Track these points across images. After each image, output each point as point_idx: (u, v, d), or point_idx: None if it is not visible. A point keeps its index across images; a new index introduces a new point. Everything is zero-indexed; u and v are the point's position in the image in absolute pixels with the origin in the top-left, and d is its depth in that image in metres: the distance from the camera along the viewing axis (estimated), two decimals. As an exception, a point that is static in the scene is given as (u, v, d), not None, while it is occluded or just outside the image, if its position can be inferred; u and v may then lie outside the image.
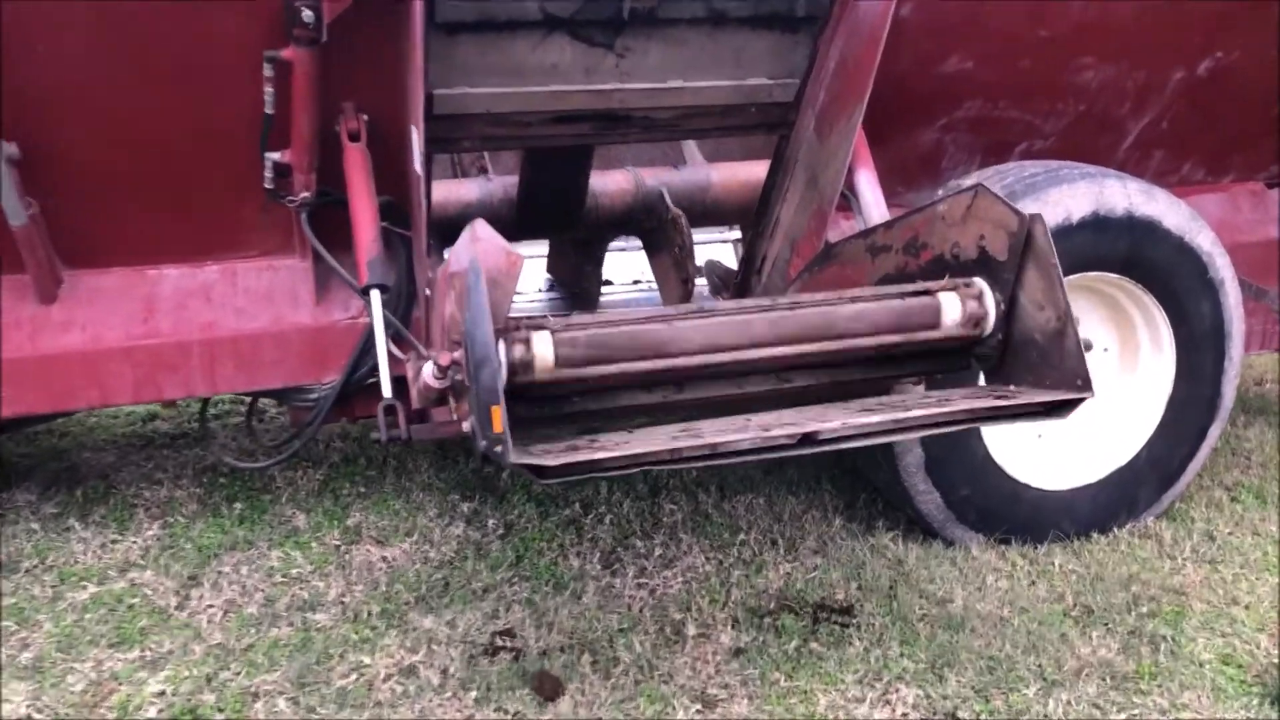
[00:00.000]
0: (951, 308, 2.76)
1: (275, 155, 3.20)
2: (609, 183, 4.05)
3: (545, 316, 2.59)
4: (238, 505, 3.85)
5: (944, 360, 2.89)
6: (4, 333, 3.29)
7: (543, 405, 2.61)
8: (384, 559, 3.54)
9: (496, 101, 3.24)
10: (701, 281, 4.44)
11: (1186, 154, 4.34)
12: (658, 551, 3.58)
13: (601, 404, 2.64)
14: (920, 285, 2.83)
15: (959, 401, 2.57)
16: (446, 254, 3.89)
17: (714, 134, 3.75)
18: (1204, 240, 3.58)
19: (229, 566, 3.47)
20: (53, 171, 3.17)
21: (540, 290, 4.77)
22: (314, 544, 3.63)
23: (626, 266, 4.66)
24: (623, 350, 2.56)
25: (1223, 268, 3.64)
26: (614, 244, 4.52)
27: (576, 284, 4.28)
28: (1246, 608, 3.31)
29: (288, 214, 3.40)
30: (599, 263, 4.24)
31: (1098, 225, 3.44)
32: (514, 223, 3.95)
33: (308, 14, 2.86)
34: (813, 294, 2.85)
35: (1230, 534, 3.78)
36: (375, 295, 3.02)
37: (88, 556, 3.51)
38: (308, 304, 3.52)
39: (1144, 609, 3.28)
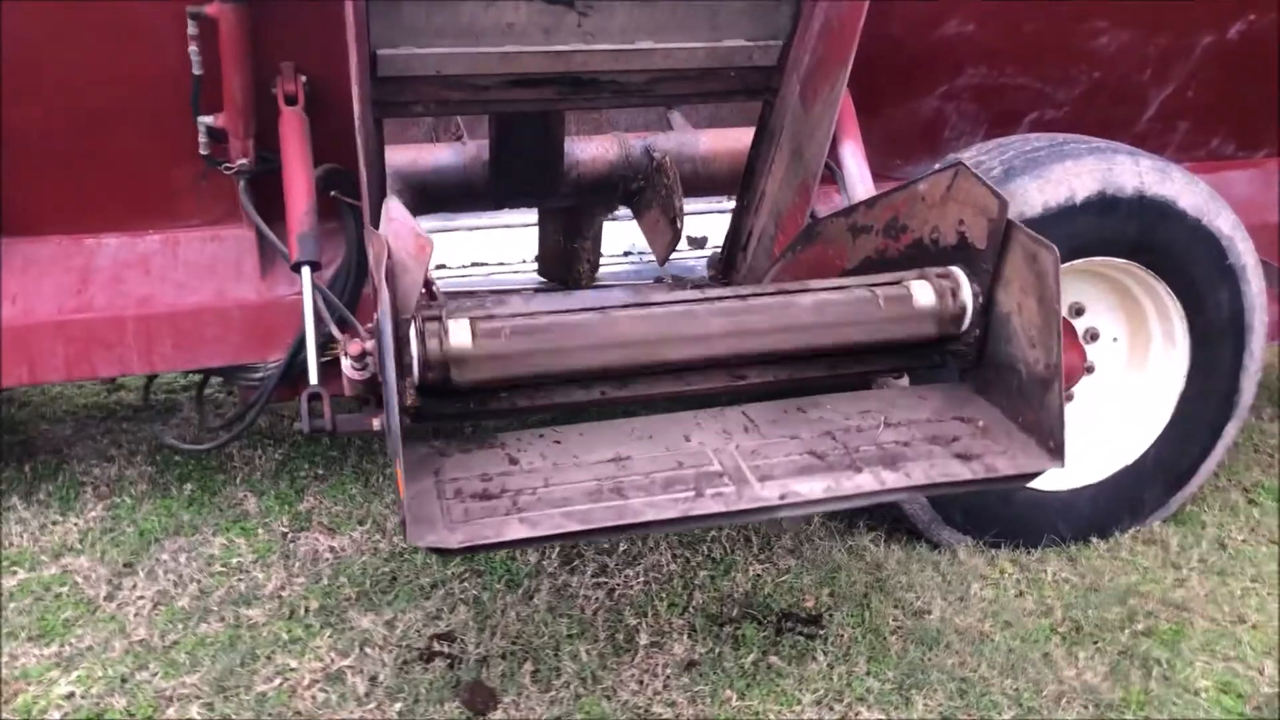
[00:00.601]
0: (925, 299, 2.50)
1: (209, 119, 2.98)
2: (592, 146, 3.81)
3: (472, 300, 2.37)
4: (188, 486, 3.67)
5: (916, 356, 2.63)
6: (-71, 304, 3.12)
7: (466, 400, 2.39)
8: (331, 549, 3.35)
9: (446, 63, 3.01)
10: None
11: (1215, 126, 4.01)
12: (622, 546, 3.35)
13: (533, 401, 2.42)
14: (891, 275, 2.57)
15: (917, 471, 2.32)
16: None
17: (691, 99, 3.49)
18: (1224, 223, 3.27)
19: (168, 554, 3.29)
20: (-18, 135, 2.98)
21: (524, 261, 4.57)
22: (260, 530, 3.44)
23: (615, 238, 4.45)
24: (553, 342, 2.32)
25: (1244, 253, 3.32)
26: (511, 219, 4.33)
27: (567, 272, 4.04)
28: (1254, 627, 3.04)
29: (232, 181, 3.18)
30: (592, 239, 4.00)
31: (1105, 205, 3.14)
32: (490, 190, 3.73)
33: (230, -34, 2.62)
34: (769, 285, 2.60)
35: (1244, 541, 3.49)
36: (305, 272, 2.80)
37: (24, 539, 3.35)
38: (252, 278, 3.31)
39: (1139, 626, 3.01)
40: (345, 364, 2.41)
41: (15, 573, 3.18)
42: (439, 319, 2.26)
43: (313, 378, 2.69)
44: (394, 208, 2.25)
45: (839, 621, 2.98)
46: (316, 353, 2.74)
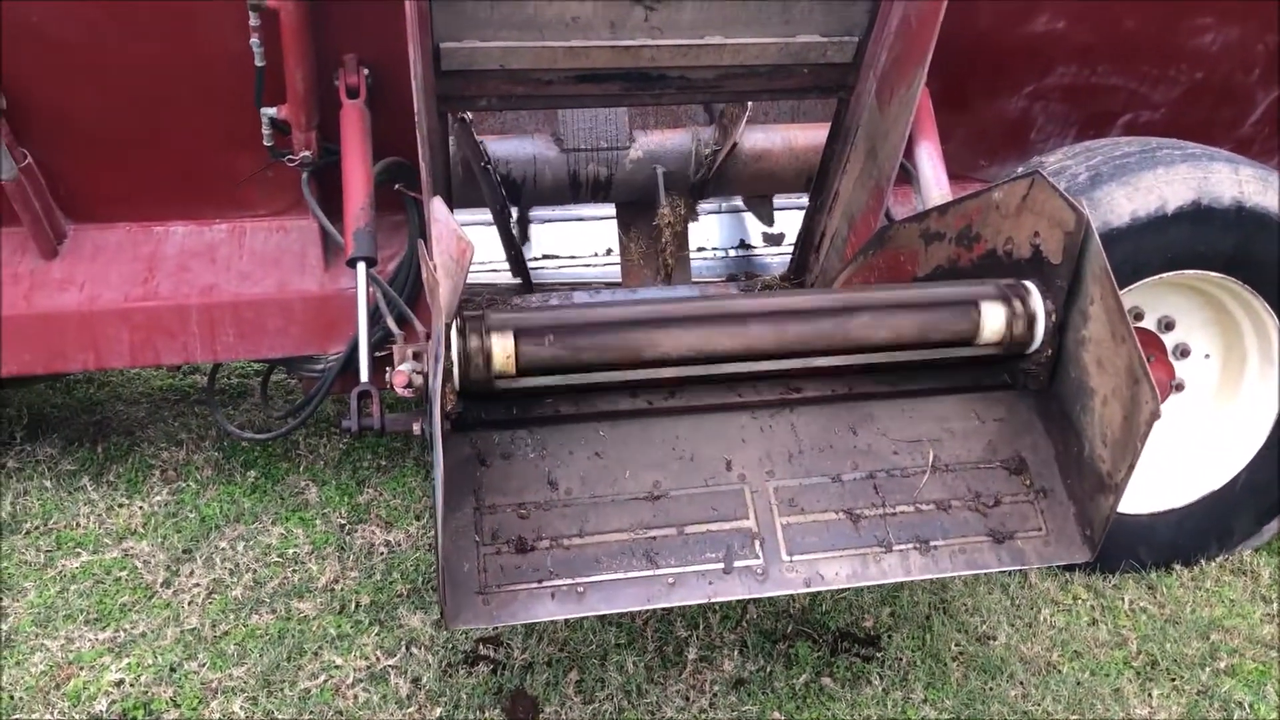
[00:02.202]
0: (994, 316, 2.36)
1: (272, 111, 2.97)
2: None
3: (515, 304, 2.31)
4: (252, 473, 3.69)
5: (982, 374, 2.49)
6: (2, 288, 3.17)
7: (509, 405, 2.33)
8: (386, 543, 3.33)
9: (511, 57, 2.95)
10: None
11: (1330, 129, 3.76)
12: (678, 554, 3.27)
13: (577, 408, 2.35)
14: (958, 285, 2.43)
15: (945, 558, 2.29)
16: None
17: (761, 96, 3.38)
18: (1333, 237, 3.05)
19: (227, 541, 3.31)
20: (52, 122, 3.01)
21: (596, 255, 4.52)
22: (319, 521, 3.44)
23: (594, 237, 4.40)
24: (598, 351, 2.25)
25: (1355, 269, 3.10)
26: (585, 212, 4.24)
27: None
28: (1347, 671, 2.85)
29: (297, 173, 3.17)
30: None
31: (1199, 216, 2.95)
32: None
33: (290, -41, 2.59)
34: (830, 293, 2.49)
35: (1341, 576, 3.28)
36: (361, 268, 2.77)
37: (90, 521, 3.40)
38: (315, 270, 3.30)
39: (1221, 664, 2.84)
40: (397, 380, 2.36)
41: (79, 554, 3.23)
42: (481, 323, 2.20)
43: (363, 375, 2.66)
44: (438, 208, 2.20)
45: (898, 644, 2.86)
46: (371, 349, 2.71)
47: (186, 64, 2.93)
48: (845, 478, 2.34)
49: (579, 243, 4.54)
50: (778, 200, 4.27)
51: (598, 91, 3.12)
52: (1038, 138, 3.61)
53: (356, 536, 3.37)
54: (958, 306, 2.36)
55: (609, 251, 4.58)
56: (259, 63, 2.84)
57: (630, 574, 2.19)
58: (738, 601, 3.03)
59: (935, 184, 3.08)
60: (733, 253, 4.56)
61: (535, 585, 2.16)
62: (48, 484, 3.58)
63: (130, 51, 2.88)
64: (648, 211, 3.94)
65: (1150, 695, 2.72)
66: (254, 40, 2.78)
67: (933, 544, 2.28)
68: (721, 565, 2.22)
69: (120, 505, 3.48)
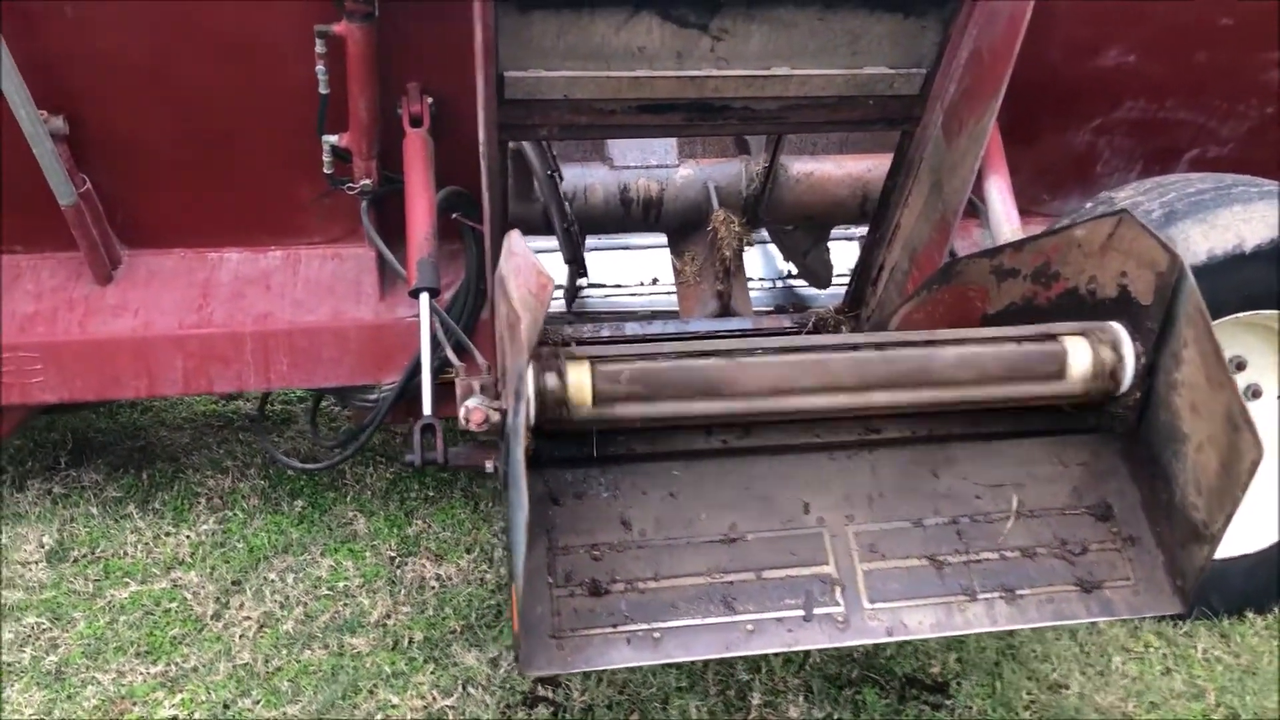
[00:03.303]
0: (1080, 357, 2.30)
1: (333, 138, 2.94)
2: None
3: (585, 337, 2.26)
4: (299, 502, 3.64)
5: (1066, 417, 2.42)
6: (57, 313, 3.14)
7: (581, 444, 2.28)
8: (438, 577, 3.28)
9: (574, 86, 2.91)
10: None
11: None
12: (735, 592, 3.20)
13: (653, 447, 2.29)
14: (1043, 328, 2.37)
15: (1032, 609, 2.21)
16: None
17: (823, 128, 3.35)
18: None
19: (276, 573, 3.26)
20: (107, 144, 2.99)
21: (641, 284, 4.49)
22: (368, 553, 3.39)
23: (642, 266, 4.38)
24: (675, 388, 2.19)
25: None
26: (632, 240, 4.20)
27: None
28: None
29: (354, 199, 3.14)
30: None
31: (1277, 255, 2.88)
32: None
33: (360, -16, 2.56)
34: (907, 333, 2.42)
35: None
36: (424, 298, 2.73)
37: (138, 550, 3.36)
38: (371, 298, 3.26)
39: (1304, 719, 2.76)
40: (468, 414, 2.31)
41: (127, 584, 3.19)
42: (557, 360, 2.15)
43: (426, 408, 2.61)
44: (515, 241, 2.15)
45: (967, 691, 2.78)
46: (432, 379, 2.66)
47: (249, 89, 2.90)
48: (927, 522, 2.28)
49: (626, 272, 4.51)
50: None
51: (659, 122, 3.07)
52: (1102, 172, 3.55)
53: (407, 569, 3.31)
54: (1044, 348, 2.29)
55: (655, 281, 4.55)
56: (323, 90, 2.81)
57: (708, 620, 2.13)
58: (799, 644, 2.96)
59: (1005, 219, 3.02)
60: (778, 284, 4.52)
61: (610, 630, 2.10)
62: (94, 510, 3.54)
63: (194, 76, 2.85)
64: (700, 233, 3.89)
65: (1231, 750, 2.64)
66: (319, 67, 2.76)
67: (1019, 593, 2.21)
68: (801, 612, 2.16)
69: (167, 534, 3.44)
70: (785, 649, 2.13)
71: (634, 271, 4.55)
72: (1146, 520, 2.31)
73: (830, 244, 4.22)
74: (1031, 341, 2.32)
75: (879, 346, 2.28)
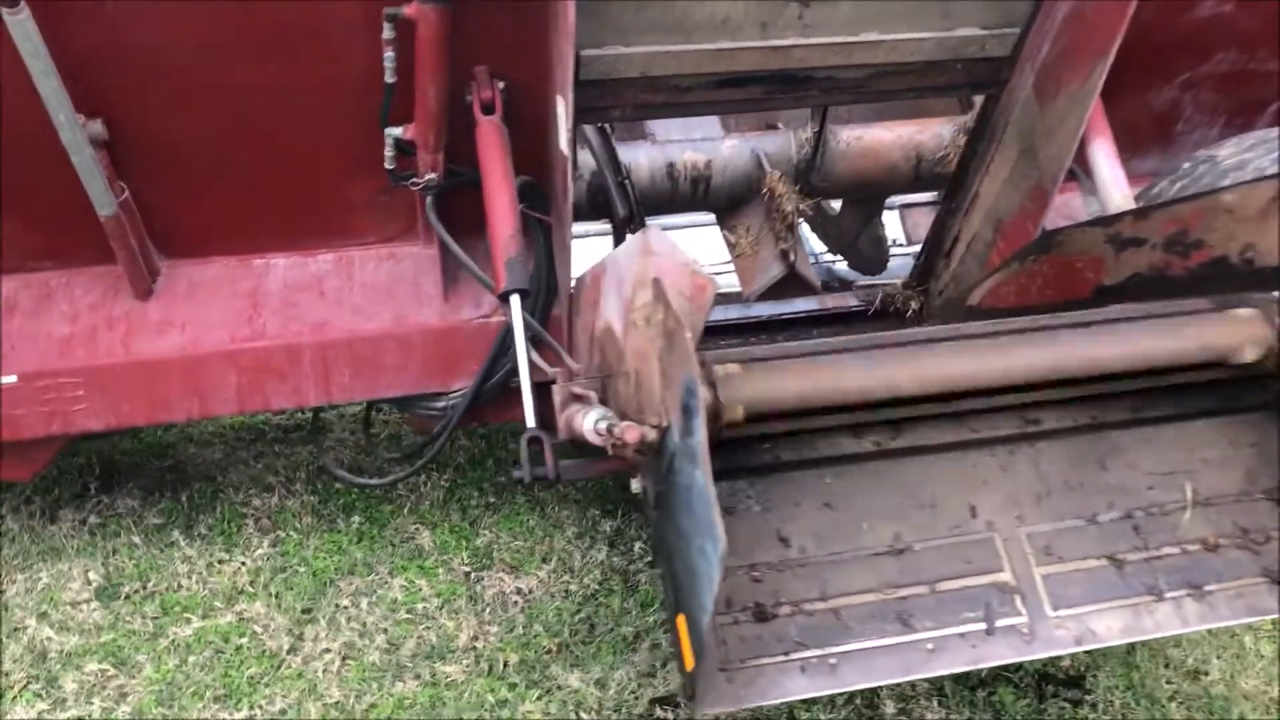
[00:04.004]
0: (1253, 332, 2.14)
1: (397, 131, 2.71)
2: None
3: (734, 348, 2.08)
4: (355, 518, 3.43)
5: (1230, 397, 2.28)
6: (96, 333, 2.90)
7: (725, 452, 2.09)
8: (519, 591, 3.09)
9: (653, 63, 2.72)
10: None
11: None
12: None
13: (799, 454, 2.11)
14: (1209, 301, 2.21)
15: (1223, 605, 2.06)
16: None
17: (906, 95, 3.14)
18: None
19: (347, 598, 3.05)
20: (146, 148, 2.74)
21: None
22: (440, 570, 3.19)
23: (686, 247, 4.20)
24: (830, 391, 2.02)
25: None
26: (677, 221, 4.02)
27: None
28: None
29: (410, 195, 2.91)
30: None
31: (1399, 209, 2.74)
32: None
33: (436, -38, 2.33)
34: (1064, 315, 2.26)
35: None
36: (515, 302, 2.53)
37: (192, 581, 3.13)
38: (434, 300, 3.04)
39: None
40: (588, 425, 2.12)
41: (189, 620, 2.97)
42: (706, 370, 1.96)
43: (530, 419, 2.41)
44: (656, 238, 1.96)
45: (1105, 685, 2.65)
46: (500, 384, 2.46)
47: (299, 83, 2.65)
48: (1101, 518, 2.12)
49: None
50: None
51: (739, 96, 2.88)
52: (1183, 129, 3.40)
53: (484, 585, 3.12)
54: (1216, 324, 2.14)
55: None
56: (389, 79, 2.57)
57: (884, 640, 1.96)
58: (919, 643, 2.81)
59: (1114, 184, 2.86)
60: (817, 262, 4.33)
61: (782, 658, 1.93)
62: (136, 540, 3.31)
63: (240, 71, 2.60)
64: (751, 205, 3.68)
65: (1390, 730, 2.52)
66: (388, 54, 2.52)
67: (1206, 589, 2.07)
68: (983, 625, 2.00)
69: (221, 561, 3.22)
70: (970, 667, 1.98)
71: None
72: None
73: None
74: (1204, 317, 2.15)
75: (1038, 328, 2.11)
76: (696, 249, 4.25)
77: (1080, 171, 3.00)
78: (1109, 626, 2.02)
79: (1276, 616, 2.11)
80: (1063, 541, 2.09)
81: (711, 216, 3.88)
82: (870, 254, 3.79)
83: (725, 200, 3.70)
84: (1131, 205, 2.86)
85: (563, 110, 2.52)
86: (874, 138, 3.70)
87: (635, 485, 2.06)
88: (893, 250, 4.05)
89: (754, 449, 2.09)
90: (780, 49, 2.76)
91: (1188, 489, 2.16)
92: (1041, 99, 2.91)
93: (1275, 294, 2.19)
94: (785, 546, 2.02)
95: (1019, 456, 2.18)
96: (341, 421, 4.06)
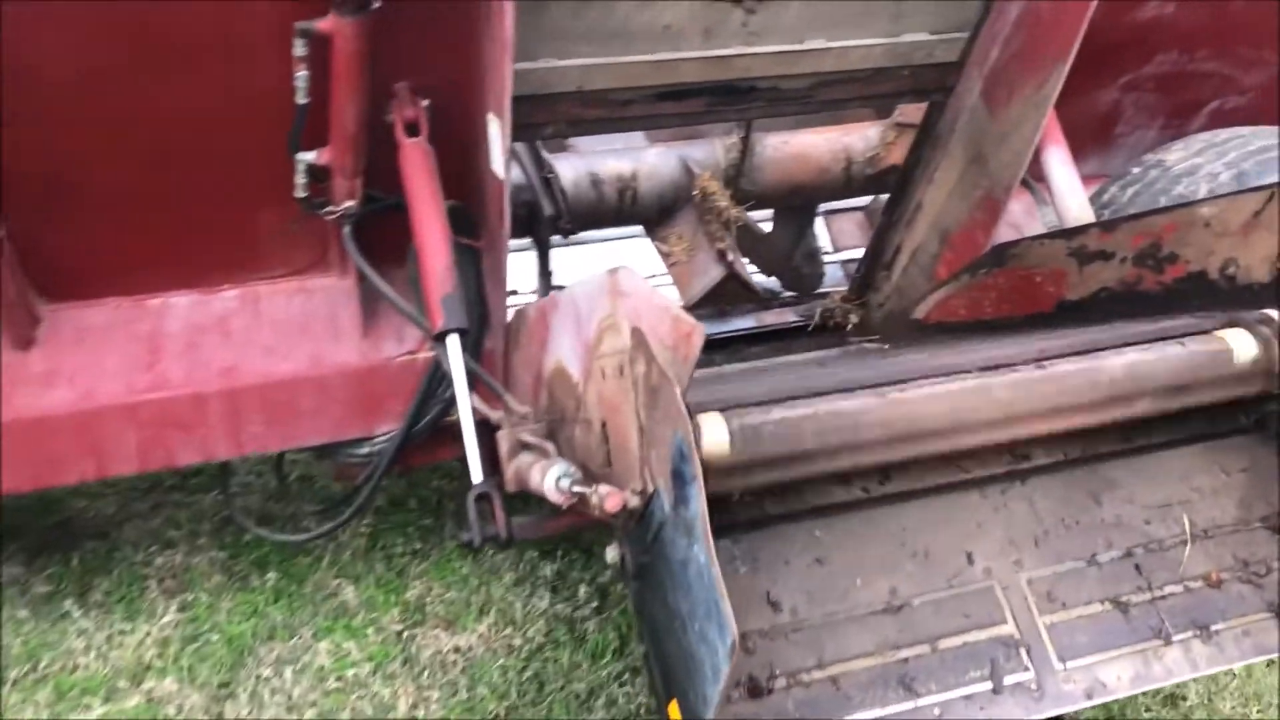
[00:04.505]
0: (1245, 353, 2.04)
1: (310, 156, 2.45)
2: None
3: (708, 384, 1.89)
4: (270, 575, 3.15)
5: (1219, 420, 2.18)
6: (-31, 391, 2.57)
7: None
8: (457, 649, 2.86)
9: (591, 76, 2.52)
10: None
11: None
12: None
13: (786, 507, 1.94)
14: (1196, 320, 2.10)
15: (1231, 645, 1.97)
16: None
17: (852, 104, 3.01)
18: None
19: (269, 667, 2.78)
20: (22, 178, 2.42)
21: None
22: (369, 630, 2.94)
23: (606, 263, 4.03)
24: (821, 439, 1.84)
25: None
26: (593, 236, 3.83)
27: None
28: None
29: (321, 222, 2.65)
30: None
31: (1351, 213, 2.70)
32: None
33: (354, -29, 2.09)
34: (1060, 340, 2.13)
35: None
36: (454, 343, 2.29)
37: (90, 658, 2.82)
38: (353, 337, 2.79)
39: None
40: (549, 484, 1.91)
41: (89, 707, 2.67)
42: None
43: (476, 474, 2.18)
44: (626, 278, 1.75)
45: (1087, 715, 2.53)
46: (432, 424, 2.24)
47: (200, 105, 2.38)
48: (1101, 558, 2.00)
49: (582, 271, 4.11)
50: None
51: (679, 110, 2.71)
52: (1123, 130, 3.34)
53: (419, 644, 2.89)
54: (1210, 347, 2.03)
55: (620, 277, 4.17)
56: (301, 99, 2.32)
57: (889, 709, 1.80)
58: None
59: (1071, 193, 2.76)
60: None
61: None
62: (22, 613, 2.97)
63: (131, 92, 2.32)
64: (682, 213, 3.50)
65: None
66: (300, 73, 2.26)
67: (1213, 629, 1.96)
68: (990, 684, 1.85)
69: (122, 633, 2.91)
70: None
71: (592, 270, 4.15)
72: None
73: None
74: (1194, 340, 2.04)
75: (1038, 364, 1.97)
76: (624, 262, 4.10)
77: (1032, 180, 2.90)
78: (1119, 676, 1.90)
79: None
80: (1064, 586, 1.96)
81: (639, 229, 3.70)
82: (807, 270, 3.65)
83: (655, 209, 3.52)
84: (1090, 216, 2.77)
85: (497, 130, 2.30)
86: (801, 142, 3.57)
87: (612, 554, 1.85)
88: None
89: (739, 504, 1.91)
90: (724, 58, 2.60)
91: (1186, 521, 2.06)
92: (992, 105, 2.79)
93: (1261, 312, 2.08)
94: (776, 611, 1.84)
95: (1012, 495, 2.04)
96: (248, 463, 3.74)
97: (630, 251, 4.17)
